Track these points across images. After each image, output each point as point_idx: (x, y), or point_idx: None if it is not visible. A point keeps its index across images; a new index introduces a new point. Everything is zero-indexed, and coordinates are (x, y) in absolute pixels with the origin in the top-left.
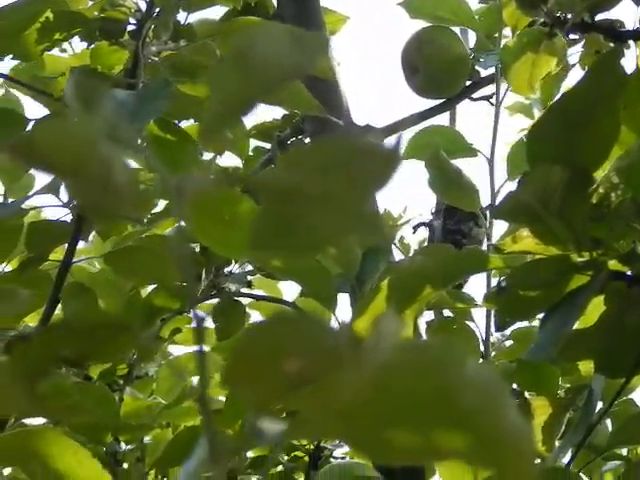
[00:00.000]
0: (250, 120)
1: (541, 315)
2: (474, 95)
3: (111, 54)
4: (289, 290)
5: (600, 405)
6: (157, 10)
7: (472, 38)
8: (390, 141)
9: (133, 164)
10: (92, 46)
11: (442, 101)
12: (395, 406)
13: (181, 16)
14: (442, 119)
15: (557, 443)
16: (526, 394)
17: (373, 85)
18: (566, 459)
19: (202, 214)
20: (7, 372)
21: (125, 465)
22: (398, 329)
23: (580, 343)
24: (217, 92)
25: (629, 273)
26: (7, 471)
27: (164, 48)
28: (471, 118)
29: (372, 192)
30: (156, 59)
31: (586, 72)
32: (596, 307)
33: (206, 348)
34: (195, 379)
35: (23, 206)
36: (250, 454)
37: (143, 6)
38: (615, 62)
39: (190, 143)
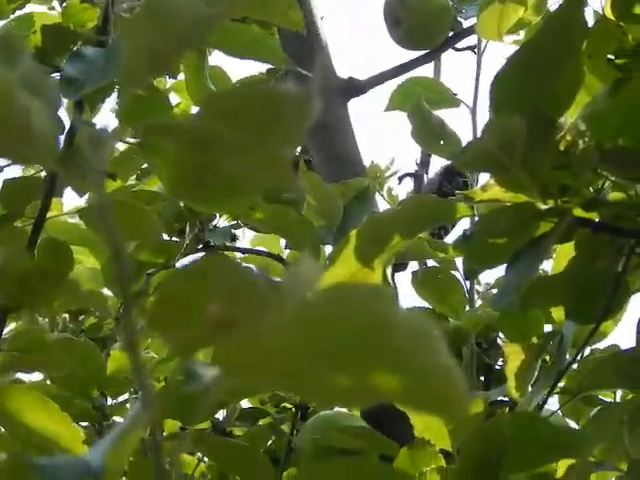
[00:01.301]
0: (235, 73)
1: None
2: (458, 45)
3: (83, 12)
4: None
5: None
6: None
7: None
8: (307, 88)
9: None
10: (64, 4)
11: (425, 52)
12: (325, 345)
13: None
14: (426, 70)
15: (530, 388)
16: (499, 341)
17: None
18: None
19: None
20: None
21: (117, 418)
22: (316, 274)
23: (550, 289)
24: (132, 45)
25: (596, 220)
26: None
27: (134, 5)
28: (456, 69)
29: (287, 141)
30: (127, 16)
31: (547, 20)
32: (567, 253)
33: None
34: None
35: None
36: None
37: None
38: (578, 10)
39: (160, 96)
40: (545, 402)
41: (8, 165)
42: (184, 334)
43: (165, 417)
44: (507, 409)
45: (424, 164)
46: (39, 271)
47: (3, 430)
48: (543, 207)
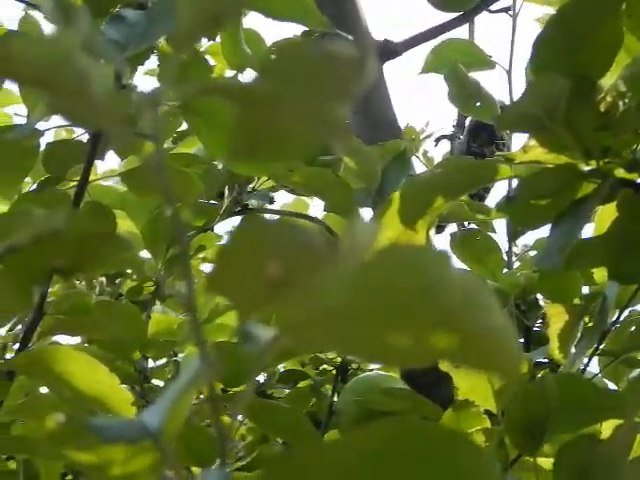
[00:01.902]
0: (271, 36)
1: None
2: (492, 7)
3: None
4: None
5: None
6: None
7: None
8: (359, 47)
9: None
10: None
11: (460, 14)
12: (381, 306)
13: None
14: (461, 32)
15: (573, 350)
16: (541, 302)
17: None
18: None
19: (217, 131)
20: (1, 279)
21: (156, 382)
22: (372, 232)
23: (593, 250)
24: (186, 5)
25: (638, 181)
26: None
27: None
28: (490, 31)
29: (340, 99)
30: None
31: None
32: (609, 214)
33: None
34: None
35: (44, 126)
36: (280, 368)
37: None
38: None
39: (201, 60)
40: (588, 364)
41: (49, 129)
42: (243, 295)
43: None
44: (548, 370)
45: (460, 126)
46: (95, 233)
47: (49, 392)
48: (585, 168)
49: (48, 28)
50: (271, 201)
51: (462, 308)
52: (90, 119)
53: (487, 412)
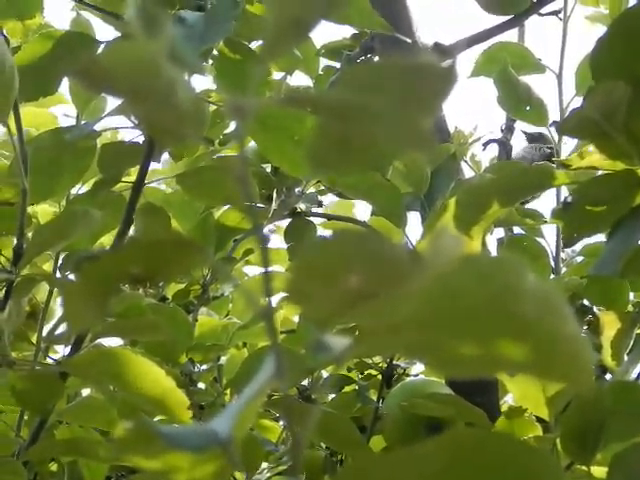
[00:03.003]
0: (320, 39)
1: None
2: (542, 10)
3: None
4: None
5: None
6: None
7: None
8: (448, 61)
9: (201, 85)
10: None
11: (510, 17)
12: (455, 315)
13: None
14: (510, 36)
15: (626, 357)
16: (595, 309)
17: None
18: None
19: (272, 134)
20: (77, 290)
21: (201, 385)
22: (457, 243)
23: None
24: (274, 11)
25: None
26: (86, 392)
27: None
28: (540, 34)
29: (429, 110)
30: None
31: None
32: None
33: (279, 268)
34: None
35: (96, 128)
36: (324, 373)
37: None
38: None
39: (260, 66)
40: None
41: (105, 130)
42: (322, 305)
43: None
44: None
45: (509, 130)
46: (174, 241)
47: (97, 395)
48: None
49: (100, 29)
50: (319, 204)
51: (538, 317)
52: (175, 128)
53: (539, 419)
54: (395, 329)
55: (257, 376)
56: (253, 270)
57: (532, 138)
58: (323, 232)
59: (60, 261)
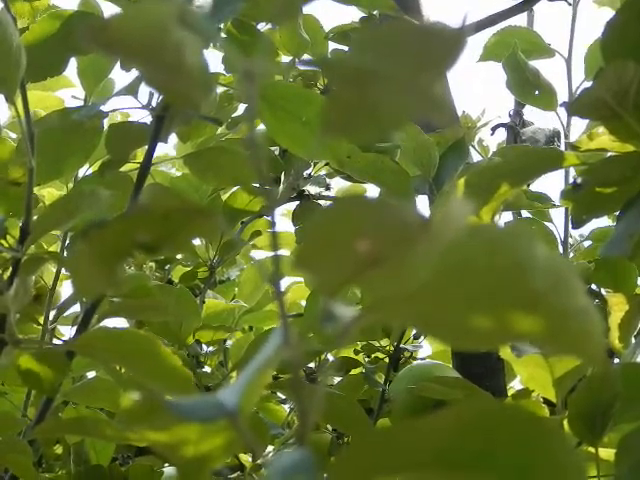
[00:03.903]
0: (328, 23)
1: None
2: None
3: None
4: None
5: None
6: None
7: None
8: (456, 23)
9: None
10: None
11: (520, 1)
12: (466, 286)
13: None
14: (520, 20)
15: (633, 340)
16: (603, 291)
17: None
18: None
19: (280, 115)
20: (85, 256)
21: (207, 368)
22: (466, 212)
23: None
24: None
25: None
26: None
27: None
28: (549, 18)
29: (440, 73)
30: None
31: None
32: None
33: (286, 251)
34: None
35: (103, 109)
36: (330, 357)
37: None
38: None
39: (266, 41)
40: None
41: (113, 110)
42: (331, 272)
43: None
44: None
45: (517, 114)
46: (181, 207)
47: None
48: None
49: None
50: (327, 187)
51: (549, 289)
52: (185, 93)
53: (546, 401)
54: (407, 298)
55: (263, 350)
56: (259, 254)
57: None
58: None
59: (67, 241)
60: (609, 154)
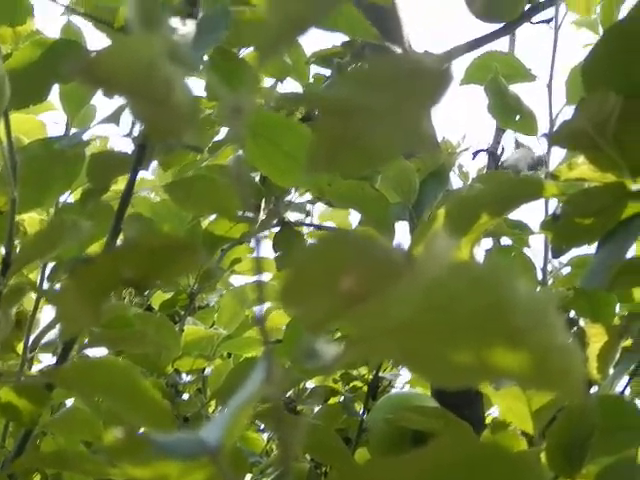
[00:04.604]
0: (310, 47)
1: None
2: (533, 19)
3: None
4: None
5: None
6: None
7: None
8: (443, 60)
9: (194, 90)
10: None
11: (501, 25)
12: (449, 323)
13: None
14: (501, 44)
15: (612, 371)
16: (581, 322)
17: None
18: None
19: (261, 143)
20: (71, 294)
21: (186, 396)
22: (450, 248)
23: (636, 270)
24: (274, 12)
25: None
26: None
27: None
28: (531, 42)
29: (426, 109)
30: None
31: None
32: None
33: (267, 277)
34: (257, 309)
35: (85, 137)
36: (310, 384)
37: None
38: None
39: (249, 71)
40: (627, 386)
41: (95, 139)
42: (315, 309)
43: None
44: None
45: (498, 139)
46: (167, 244)
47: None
48: (633, 187)
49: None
50: (308, 214)
51: (531, 327)
52: (172, 128)
53: (523, 433)
54: (389, 334)
55: (246, 384)
56: (239, 280)
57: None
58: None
59: (48, 271)
60: (589, 184)
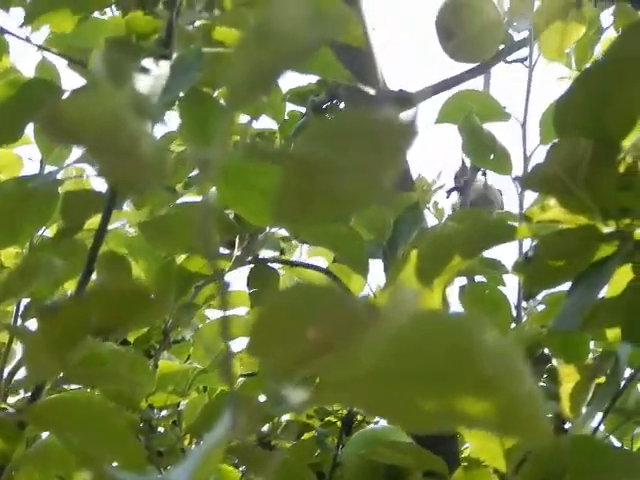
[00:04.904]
0: (286, 84)
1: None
2: (508, 58)
3: (146, 24)
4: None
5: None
6: None
7: (506, 2)
8: (408, 113)
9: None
10: (127, 16)
11: (476, 65)
12: (416, 371)
13: None
14: (476, 82)
15: (584, 409)
16: (554, 361)
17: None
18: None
19: (235, 183)
20: (39, 341)
21: (161, 429)
22: (414, 298)
23: (607, 311)
24: (240, 64)
25: None
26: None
27: (198, 17)
28: (506, 81)
29: (390, 164)
30: (190, 28)
31: (612, 43)
32: (623, 275)
33: (242, 313)
34: (233, 343)
35: (59, 175)
36: (284, 419)
37: None
38: None
39: (223, 112)
40: (600, 423)
41: (69, 178)
42: (282, 358)
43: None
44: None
45: (462, 175)
46: (136, 291)
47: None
48: (605, 230)
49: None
50: (282, 252)
51: (498, 375)
52: (136, 178)
53: (496, 471)
54: (355, 382)
55: (216, 425)
56: (215, 314)
57: None
58: (286, 278)
59: (22, 307)
60: (561, 226)
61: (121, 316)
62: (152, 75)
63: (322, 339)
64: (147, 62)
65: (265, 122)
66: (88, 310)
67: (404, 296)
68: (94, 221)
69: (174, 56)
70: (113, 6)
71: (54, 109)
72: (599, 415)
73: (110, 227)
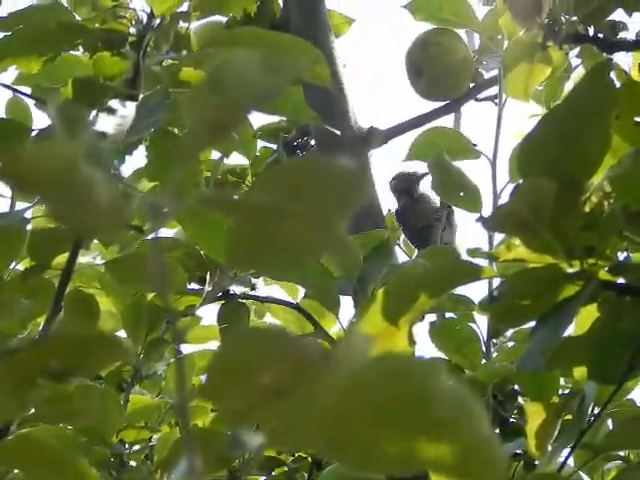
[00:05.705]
0: (257, 121)
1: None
2: (478, 96)
3: (113, 65)
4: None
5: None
6: (157, 21)
7: (476, 40)
8: (359, 162)
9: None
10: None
11: (446, 103)
12: (371, 414)
13: (182, 25)
14: (446, 120)
15: (550, 447)
16: (520, 400)
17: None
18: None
19: (200, 223)
20: None
21: (132, 463)
22: (367, 343)
23: (573, 350)
24: (192, 117)
25: (621, 281)
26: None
27: (165, 57)
28: (476, 119)
29: (341, 212)
30: (157, 68)
31: (576, 85)
32: (589, 314)
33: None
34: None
35: (27, 214)
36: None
37: (144, 17)
38: (604, 75)
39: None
40: (566, 460)
41: (35, 217)
42: (237, 403)
43: None
44: (522, 462)
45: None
46: (100, 335)
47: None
48: (569, 270)
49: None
50: (253, 287)
51: (454, 419)
52: (93, 225)
53: None
54: (311, 426)
55: (178, 467)
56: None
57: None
58: (256, 314)
59: None
60: (526, 266)
61: (83, 360)
62: (118, 115)
63: (276, 384)
64: (114, 102)
65: (237, 158)
66: (46, 354)
67: (357, 341)
68: (63, 257)
69: (141, 97)
70: (80, 47)
71: (8, 157)
72: (566, 451)
73: (82, 259)
